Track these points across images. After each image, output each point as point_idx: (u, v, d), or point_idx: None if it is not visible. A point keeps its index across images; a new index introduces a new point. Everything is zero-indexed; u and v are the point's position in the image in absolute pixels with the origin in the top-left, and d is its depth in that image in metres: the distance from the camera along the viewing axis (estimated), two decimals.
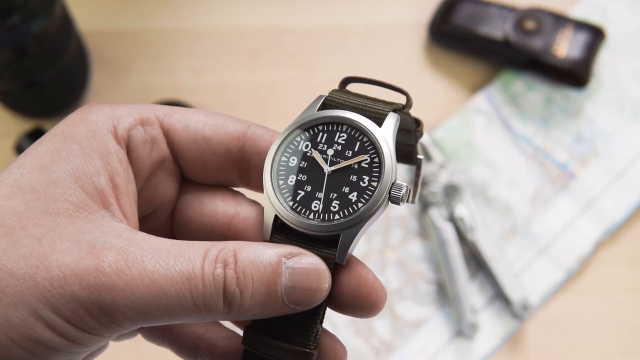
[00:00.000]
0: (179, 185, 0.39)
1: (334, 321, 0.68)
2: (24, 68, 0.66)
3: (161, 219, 0.39)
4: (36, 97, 0.72)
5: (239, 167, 0.38)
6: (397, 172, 0.35)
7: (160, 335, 0.39)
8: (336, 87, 0.38)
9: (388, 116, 0.36)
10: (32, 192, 0.32)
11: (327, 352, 0.36)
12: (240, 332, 0.39)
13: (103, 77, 0.76)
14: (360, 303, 0.35)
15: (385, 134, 0.35)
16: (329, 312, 0.36)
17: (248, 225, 0.38)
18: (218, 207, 0.38)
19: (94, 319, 0.30)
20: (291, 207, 0.35)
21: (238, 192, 0.40)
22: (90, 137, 0.34)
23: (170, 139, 0.37)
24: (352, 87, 0.38)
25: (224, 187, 0.39)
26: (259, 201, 0.39)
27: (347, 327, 0.68)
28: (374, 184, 0.35)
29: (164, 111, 0.37)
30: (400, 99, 0.37)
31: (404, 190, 0.35)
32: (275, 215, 0.35)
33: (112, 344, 0.40)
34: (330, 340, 0.37)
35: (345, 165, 0.35)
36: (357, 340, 0.68)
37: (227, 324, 0.40)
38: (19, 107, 0.74)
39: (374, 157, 0.35)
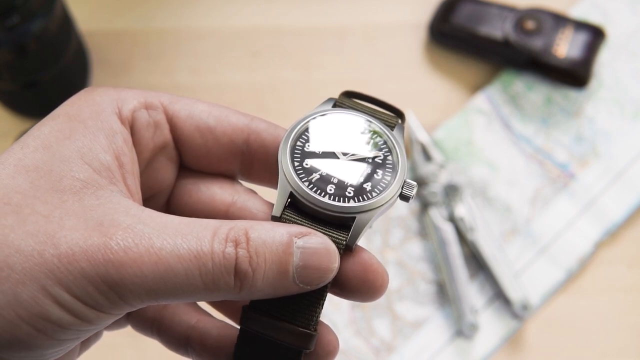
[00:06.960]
0: (177, 172, 0.39)
1: (333, 320, 0.68)
2: (24, 68, 0.66)
3: (158, 205, 0.39)
4: (36, 97, 0.72)
5: (241, 159, 0.38)
6: (408, 172, 0.36)
7: (149, 325, 0.39)
8: (335, 87, 0.38)
9: (397, 125, 0.38)
10: (36, 170, 0.31)
11: (320, 342, 0.36)
12: (233, 324, 0.39)
13: (103, 77, 0.76)
14: (366, 288, 0.35)
15: (397, 137, 0.37)
16: (327, 311, 0.36)
17: (245, 214, 0.38)
18: (215, 194, 0.38)
19: (103, 296, 0.30)
20: (307, 187, 0.35)
21: (236, 180, 0.39)
22: (94, 117, 0.34)
23: (173, 125, 0.37)
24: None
25: (222, 175, 0.39)
26: (256, 190, 0.39)
27: (347, 327, 0.68)
28: (388, 177, 0.36)
29: (168, 98, 0.37)
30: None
31: (414, 191, 0.36)
32: (290, 192, 0.35)
33: (112, 340, 0.40)
34: (324, 330, 0.36)
35: (361, 157, 0.36)
36: (357, 340, 0.68)
37: (219, 315, 0.40)
38: (19, 107, 0.74)
39: (387, 155, 0.36)
